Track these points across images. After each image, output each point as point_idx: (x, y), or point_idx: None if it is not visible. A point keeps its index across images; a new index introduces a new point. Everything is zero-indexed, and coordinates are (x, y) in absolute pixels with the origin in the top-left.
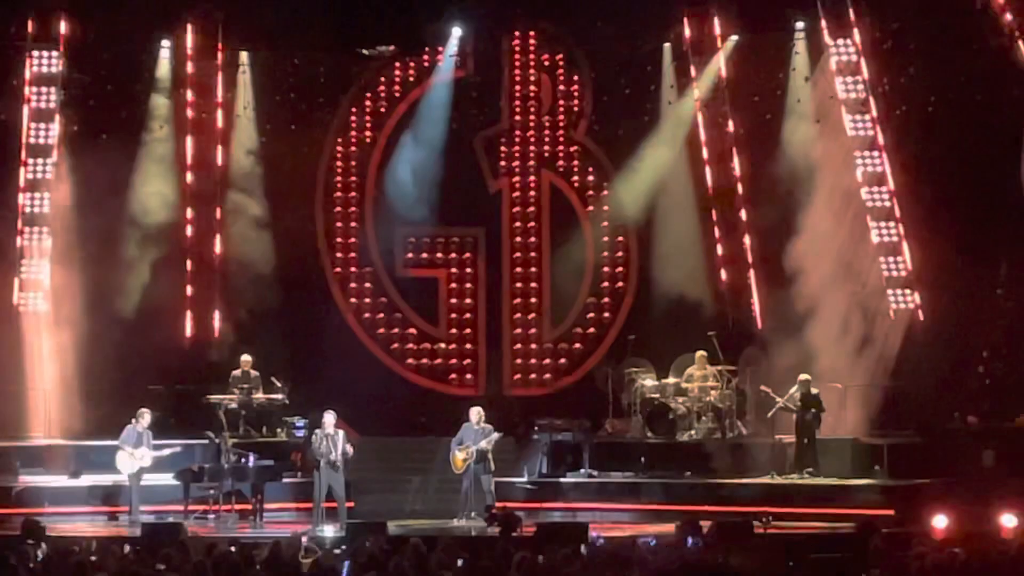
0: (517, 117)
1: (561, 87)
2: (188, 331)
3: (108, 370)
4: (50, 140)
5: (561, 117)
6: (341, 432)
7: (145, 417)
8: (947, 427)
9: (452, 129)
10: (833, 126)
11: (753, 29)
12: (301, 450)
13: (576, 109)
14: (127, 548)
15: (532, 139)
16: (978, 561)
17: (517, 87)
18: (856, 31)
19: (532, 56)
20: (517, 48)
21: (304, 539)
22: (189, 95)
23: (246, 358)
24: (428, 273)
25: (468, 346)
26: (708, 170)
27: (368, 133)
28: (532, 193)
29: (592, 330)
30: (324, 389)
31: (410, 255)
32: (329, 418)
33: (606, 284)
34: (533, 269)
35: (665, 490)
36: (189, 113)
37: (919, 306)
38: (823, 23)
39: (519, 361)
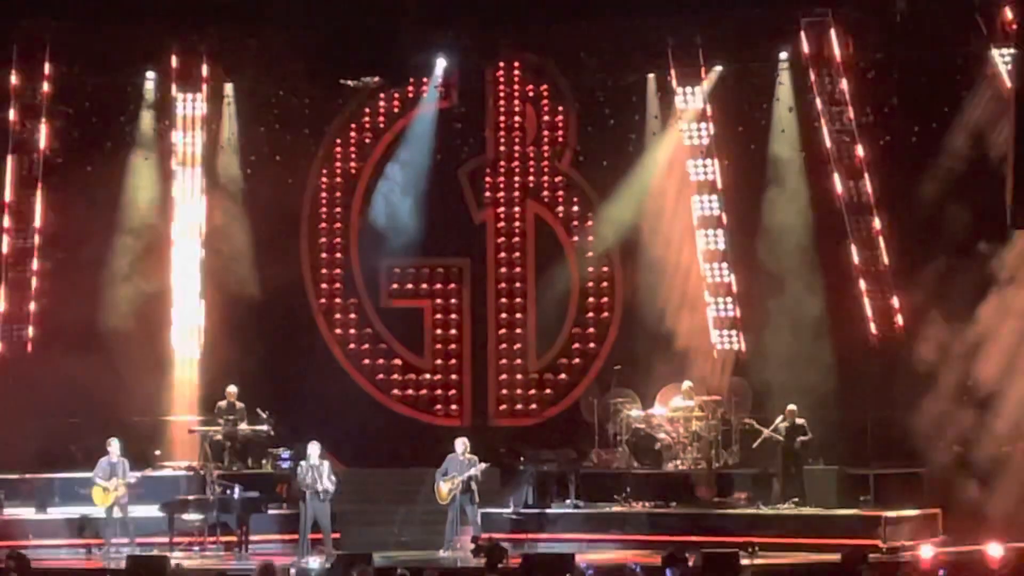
0: (502, 148)
1: (546, 118)
2: (173, 362)
3: (93, 401)
4: (34, 171)
5: (546, 148)
6: (326, 463)
7: (112, 446)
8: (933, 457)
9: (437, 160)
10: (817, 156)
11: (737, 60)
12: (287, 481)
13: (561, 140)
14: None
15: (517, 170)
16: None
17: (502, 118)
18: (839, 61)
19: (516, 87)
20: (501, 79)
21: (292, 571)
22: (174, 126)
23: (231, 389)
24: (413, 304)
25: (453, 376)
26: (693, 200)
27: (353, 164)
28: (517, 224)
29: (577, 360)
30: (309, 420)
31: (395, 286)
32: (314, 449)
33: (591, 315)
34: (518, 300)
35: (651, 520)
36: (174, 144)
37: (905, 335)
38: (806, 53)
39: (504, 392)
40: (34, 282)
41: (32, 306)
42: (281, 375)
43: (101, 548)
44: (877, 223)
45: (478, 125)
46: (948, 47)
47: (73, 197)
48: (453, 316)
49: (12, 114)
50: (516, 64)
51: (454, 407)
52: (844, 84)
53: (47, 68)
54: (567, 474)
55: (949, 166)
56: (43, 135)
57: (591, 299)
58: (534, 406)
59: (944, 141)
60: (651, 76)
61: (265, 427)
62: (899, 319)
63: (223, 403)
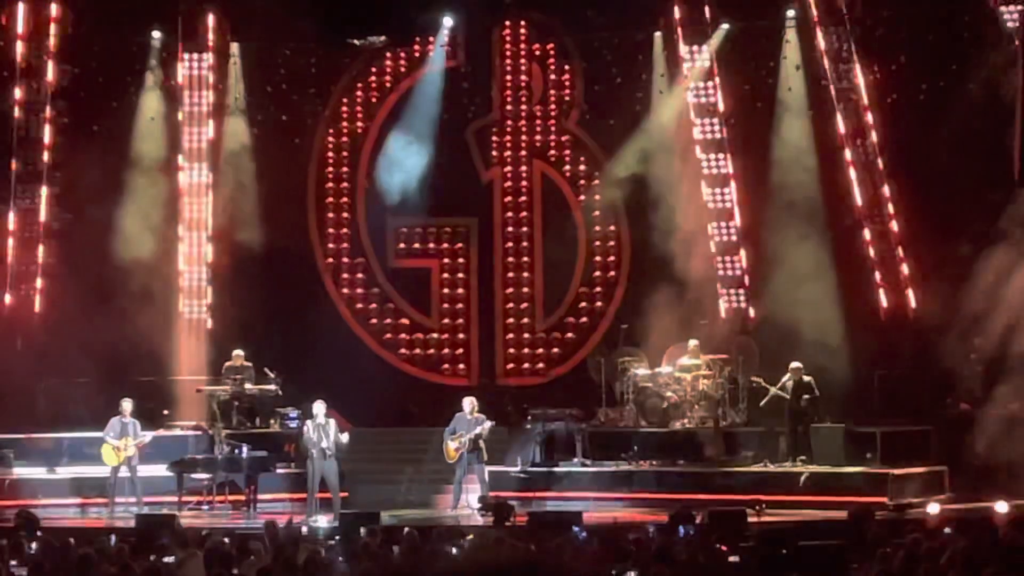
0: (508, 107)
1: (552, 76)
2: (181, 321)
3: (101, 361)
4: (41, 131)
5: (552, 107)
6: (332, 421)
7: (123, 406)
8: (940, 414)
9: (443, 119)
10: (824, 114)
11: (744, 17)
12: (295, 441)
13: (567, 98)
14: (113, 539)
15: (523, 129)
16: (971, 547)
17: (508, 77)
18: (846, 19)
19: (523, 46)
20: (508, 38)
21: (303, 528)
22: (180, 86)
23: (239, 352)
24: (420, 263)
25: (461, 336)
26: (700, 159)
27: (359, 124)
28: (524, 183)
29: (585, 319)
30: (317, 380)
31: (402, 245)
32: (319, 407)
33: (598, 273)
34: (525, 259)
35: (658, 479)
36: (180, 104)
37: (911, 292)
38: (814, 11)
39: (512, 351)
40: (41, 241)
41: (40, 266)
42: (288, 335)
43: (106, 507)
44: (884, 181)
45: (485, 84)
46: (955, 3)
47: (80, 156)
48: (460, 276)
49: (19, 73)
50: (523, 23)
51: (461, 366)
52: (851, 42)
53: (53, 28)
54: (574, 433)
55: (957, 123)
56: (49, 94)
57: (598, 258)
58: (541, 365)
59: (952, 98)
60: (658, 34)
61: (273, 387)
62: (906, 277)
63: (230, 363)
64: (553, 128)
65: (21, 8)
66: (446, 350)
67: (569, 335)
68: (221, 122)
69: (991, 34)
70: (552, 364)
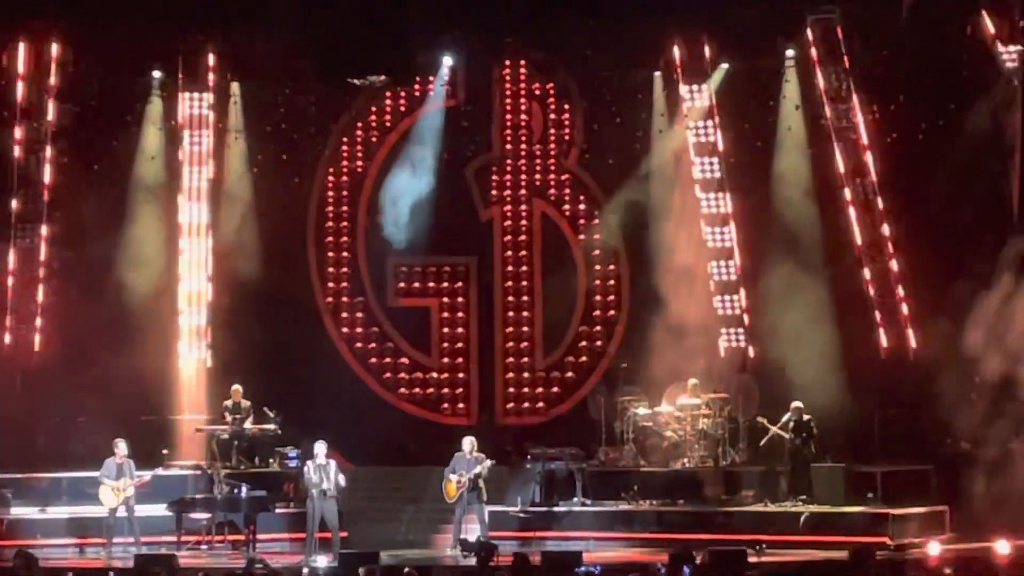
0: (508, 146)
1: (552, 116)
2: (180, 360)
3: (101, 401)
4: (41, 170)
5: (552, 146)
6: (333, 462)
7: (119, 447)
8: (940, 453)
9: (443, 158)
10: (823, 153)
11: (743, 57)
12: (294, 480)
13: (567, 138)
14: None
15: (523, 168)
16: None
17: (508, 116)
18: (846, 59)
19: (523, 85)
20: (508, 77)
21: (304, 571)
22: (180, 126)
23: (237, 388)
24: (420, 302)
25: (460, 375)
26: (699, 198)
27: (359, 163)
28: (524, 222)
29: (584, 359)
30: (316, 419)
31: (402, 284)
32: (321, 448)
33: (598, 312)
34: (525, 298)
35: (658, 518)
36: (180, 144)
37: (912, 333)
38: (813, 51)
39: (512, 390)
40: (41, 280)
41: (40, 306)
42: (288, 374)
43: (104, 547)
44: (884, 220)
45: (484, 123)
46: (954, 43)
47: (80, 195)
48: (460, 315)
49: (19, 112)
50: (522, 62)
51: (461, 406)
52: (850, 82)
53: (54, 67)
54: (574, 472)
55: (956, 162)
56: (50, 133)
57: (598, 297)
58: (541, 404)
59: (951, 138)
60: (657, 74)
61: (272, 426)
62: (906, 316)
63: (229, 402)
64: (553, 167)
65: (22, 47)
66: (446, 389)
67: (569, 374)
68: (221, 161)
69: (990, 74)
70: (552, 403)
